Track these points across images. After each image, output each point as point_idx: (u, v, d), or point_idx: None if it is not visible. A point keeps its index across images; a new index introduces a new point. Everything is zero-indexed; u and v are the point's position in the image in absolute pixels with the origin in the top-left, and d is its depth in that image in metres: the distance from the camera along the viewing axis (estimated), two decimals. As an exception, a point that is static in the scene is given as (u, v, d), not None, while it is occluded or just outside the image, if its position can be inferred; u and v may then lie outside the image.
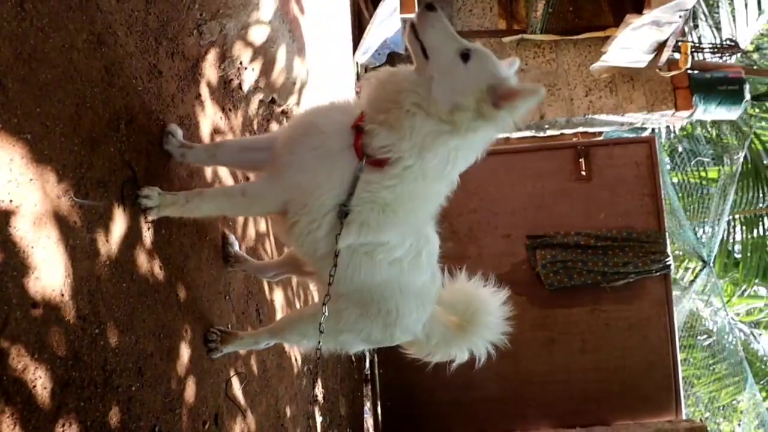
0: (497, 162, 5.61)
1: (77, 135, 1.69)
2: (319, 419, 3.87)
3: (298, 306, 3.61)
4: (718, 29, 8.22)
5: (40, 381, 1.48)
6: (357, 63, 4.53)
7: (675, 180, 9.28)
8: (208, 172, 2.48)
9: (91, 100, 1.77)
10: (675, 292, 5.80)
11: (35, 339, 1.47)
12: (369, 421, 5.62)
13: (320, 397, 3.95)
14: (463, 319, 2.56)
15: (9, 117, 1.44)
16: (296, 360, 3.48)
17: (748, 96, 5.39)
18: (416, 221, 2.14)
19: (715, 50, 5.85)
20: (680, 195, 8.68)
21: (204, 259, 2.47)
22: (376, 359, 5.64)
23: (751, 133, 7.24)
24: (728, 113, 5.42)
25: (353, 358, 5.19)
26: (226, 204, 2.15)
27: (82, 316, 1.65)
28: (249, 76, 2.87)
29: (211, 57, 2.56)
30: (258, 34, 2.75)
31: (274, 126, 3.30)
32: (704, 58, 5.78)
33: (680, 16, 4.38)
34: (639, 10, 4.35)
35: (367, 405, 5.71)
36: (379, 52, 4.76)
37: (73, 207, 1.65)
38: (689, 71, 5.30)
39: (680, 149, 9.58)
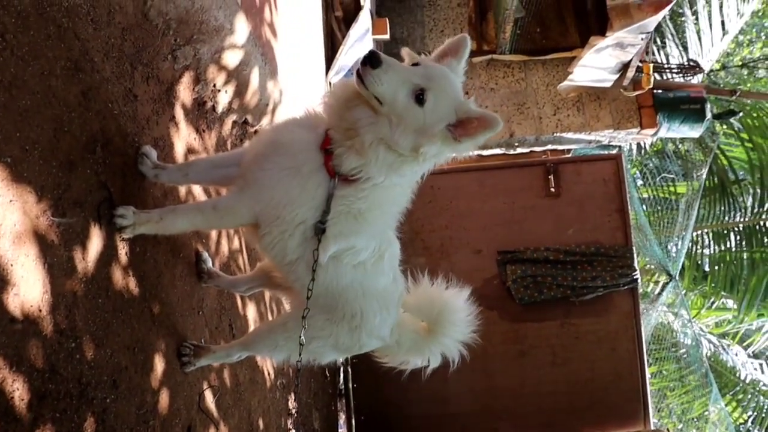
0: (468, 179, 5.75)
1: (55, 158, 1.78)
2: (292, 431, 3.93)
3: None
4: (685, 49, 8.51)
5: (17, 393, 1.55)
6: (330, 83, 4.65)
7: (645, 195, 9.53)
8: (182, 191, 2.57)
9: (68, 124, 1.85)
10: (642, 305, 5.96)
11: (14, 353, 1.55)
12: (344, 436, 5.67)
13: (293, 411, 4.01)
14: (430, 321, 2.65)
15: (-10, 142, 1.53)
16: (269, 374, 3.55)
17: (709, 114, 5.61)
18: (384, 224, 2.24)
19: (678, 70, 6.08)
20: (650, 211, 8.91)
21: (178, 276, 2.54)
22: (350, 373, 5.71)
23: (715, 149, 7.49)
24: (691, 131, 5.64)
25: (327, 372, 5.26)
26: (198, 218, 2.21)
27: (59, 330, 1.73)
28: (223, 98, 2.97)
29: (186, 80, 2.66)
30: (231, 58, 2.86)
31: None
32: (668, 78, 6.00)
33: (642, 38, 4.58)
34: (603, 32, 4.54)
35: (342, 419, 5.77)
36: (351, 71, 4.88)
37: (51, 226, 1.73)
38: (653, 91, 5.51)
39: (651, 165, 9.83)
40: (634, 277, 5.48)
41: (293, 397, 4.02)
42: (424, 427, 5.64)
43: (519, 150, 5.90)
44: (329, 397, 5.26)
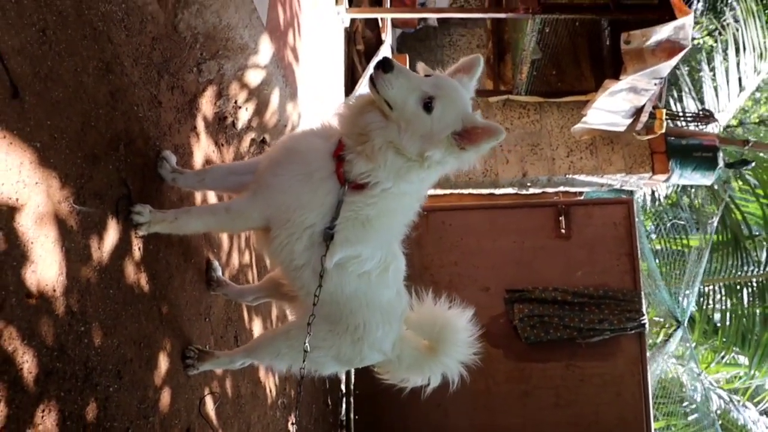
0: (480, 216, 5.81)
1: (81, 149, 1.88)
2: (291, 454, 3.92)
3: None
4: (702, 103, 8.62)
5: (26, 365, 1.61)
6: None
7: (658, 247, 9.50)
8: (198, 197, 2.66)
9: (95, 120, 1.96)
10: (650, 352, 5.92)
11: (26, 326, 1.62)
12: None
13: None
14: (431, 339, 2.68)
15: (23, 126, 1.63)
16: (271, 391, 3.58)
17: (721, 163, 5.66)
18: (390, 234, 2.29)
19: (692, 119, 6.17)
20: (662, 262, 8.87)
21: (188, 281, 2.62)
22: (352, 404, 5.69)
23: (730, 203, 7.51)
24: (703, 179, 5.69)
25: (329, 401, 5.25)
26: (211, 220, 2.29)
27: (70, 312, 1.80)
28: (243, 115, 3.09)
29: (209, 94, 2.78)
30: (254, 77, 2.99)
31: (264, 164, 3.50)
32: (682, 126, 6.09)
33: (656, 84, 4.68)
34: (617, 76, 4.65)
35: (343, 452, 5.72)
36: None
37: (72, 213, 1.82)
38: (666, 137, 5.59)
39: (664, 217, 9.83)
40: (642, 321, 5.45)
41: (294, 419, 4.02)
42: (424, 464, 5.57)
43: (531, 190, 5.97)
44: (330, 426, 5.23)
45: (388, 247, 2.33)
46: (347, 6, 4.45)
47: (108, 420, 1.98)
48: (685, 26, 4.27)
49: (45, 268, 1.70)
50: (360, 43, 4.65)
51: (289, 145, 2.27)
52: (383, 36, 4.61)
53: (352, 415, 5.68)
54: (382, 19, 4.73)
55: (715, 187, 7.42)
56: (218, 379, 2.85)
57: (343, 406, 5.69)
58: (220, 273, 2.83)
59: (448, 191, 5.94)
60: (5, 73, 1.57)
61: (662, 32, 4.29)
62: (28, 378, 1.62)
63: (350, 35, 4.66)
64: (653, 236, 9.71)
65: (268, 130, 3.35)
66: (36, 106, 1.68)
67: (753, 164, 6.59)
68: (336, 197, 2.14)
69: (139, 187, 2.21)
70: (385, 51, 4.66)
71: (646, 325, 5.51)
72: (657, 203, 9.87)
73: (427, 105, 2.00)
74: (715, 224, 7.26)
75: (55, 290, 1.73)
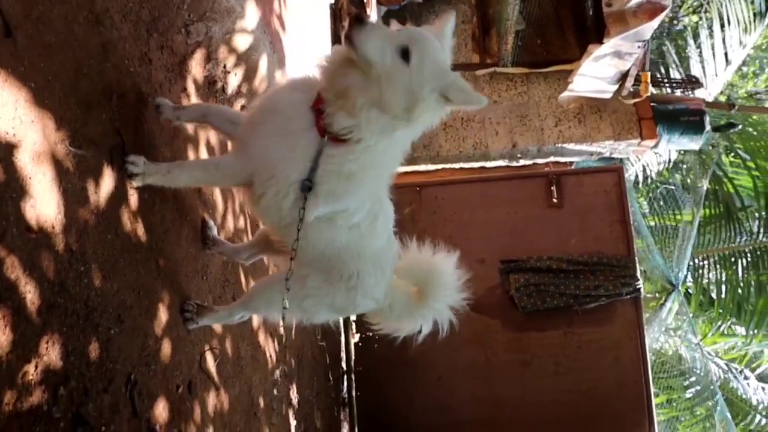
0: (472, 190, 5.88)
1: (74, 95, 1.93)
2: (293, 422, 3.97)
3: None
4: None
5: (29, 296, 1.66)
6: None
7: (652, 223, 9.58)
8: (191, 155, 2.71)
9: (88, 68, 2.01)
10: (646, 315, 5.99)
11: (27, 257, 1.67)
12: (347, 443, 5.67)
13: (295, 402, 4.06)
14: (420, 284, 2.74)
15: (17, 65, 1.68)
16: (271, 356, 3.63)
17: (708, 126, 5.74)
18: (376, 186, 2.34)
19: (678, 85, 6.24)
20: (657, 238, 8.94)
21: (184, 237, 2.67)
22: (353, 380, 5.74)
23: (715, 160, 7.60)
24: (691, 143, 5.76)
25: (330, 376, 5.30)
26: (201, 174, 2.35)
27: (69, 250, 1.85)
28: (232, 80, 3.14)
29: (198, 57, 2.83)
30: (241, 41, 3.04)
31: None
32: (669, 93, 6.16)
33: (639, 47, 4.75)
34: (601, 41, 4.72)
35: (345, 429, 5.76)
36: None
37: (68, 155, 1.87)
38: (653, 103, 5.66)
39: (657, 193, 9.90)
40: (637, 286, 5.53)
41: (295, 388, 4.08)
42: (427, 436, 5.62)
43: (522, 162, 6.04)
44: (332, 402, 5.28)
45: (375, 197, 2.36)
46: (332, -18, 4.53)
47: (110, 361, 2.03)
48: (665, -13, 4.35)
49: (43, 204, 1.75)
50: (346, 20, 4.70)
51: (267, 101, 2.31)
52: (368, 12, 4.67)
53: (353, 393, 5.73)
54: (366, -6, 4.82)
55: (703, 155, 7.49)
56: (218, 337, 2.90)
57: (344, 383, 5.74)
58: (215, 232, 2.88)
59: (439, 166, 6.01)
60: (-3, 11, 1.62)
61: (643, -7, 4.36)
62: (31, 308, 1.67)
63: (335, 13, 4.73)
64: (647, 213, 9.79)
65: (257, 97, 3.40)
66: (29, 48, 1.73)
67: (740, 127, 6.66)
68: (316, 149, 2.16)
69: (131, 140, 2.26)
70: (372, 26, 4.70)
71: (642, 290, 5.58)
72: (649, 180, 9.95)
73: (404, 54, 2.00)
74: (705, 187, 7.33)
75: (54, 227, 1.78)
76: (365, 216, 2.34)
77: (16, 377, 1.60)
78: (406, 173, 6.24)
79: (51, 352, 1.74)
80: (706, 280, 9.08)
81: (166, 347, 2.43)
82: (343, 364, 5.76)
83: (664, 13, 4.36)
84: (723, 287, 8.54)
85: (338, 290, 2.50)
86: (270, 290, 2.58)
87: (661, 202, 8.94)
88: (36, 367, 1.67)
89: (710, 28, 8.91)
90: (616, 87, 5.36)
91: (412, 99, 2.02)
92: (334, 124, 2.12)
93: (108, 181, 2.08)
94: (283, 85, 2.41)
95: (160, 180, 2.27)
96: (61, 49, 1.87)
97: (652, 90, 5.59)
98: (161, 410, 2.34)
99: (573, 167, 6.36)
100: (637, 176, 9.44)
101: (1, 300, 1.56)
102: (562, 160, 6.14)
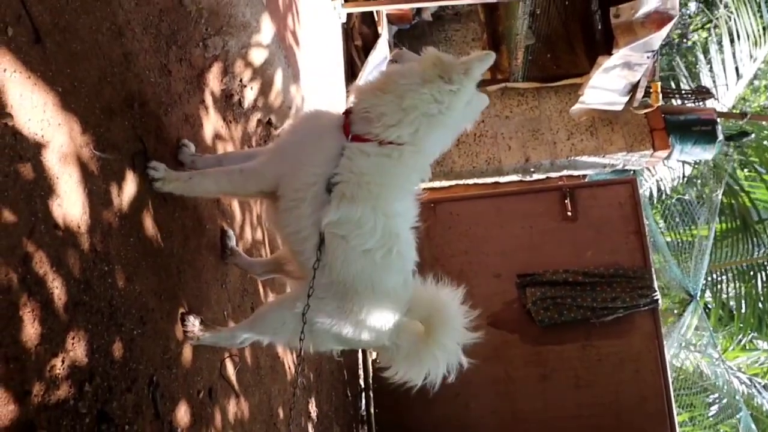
0: (487, 205, 5.90)
1: (98, 101, 2.00)
2: (313, 436, 3.97)
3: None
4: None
5: (56, 291, 1.71)
6: (351, 107, 4.92)
7: (669, 239, 9.52)
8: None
9: (111, 77, 2.09)
10: (665, 328, 5.93)
11: (55, 254, 1.72)
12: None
13: (314, 415, 4.06)
14: (426, 321, 2.63)
15: (46, 69, 1.75)
16: (289, 368, 3.64)
17: (721, 136, 5.74)
18: (391, 205, 2.31)
19: (689, 95, 6.27)
20: (673, 253, 8.88)
21: (203, 245, 2.71)
22: (371, 397, 5.72)
23: (728, 169, 7.58)
24: (704, 153, 5.76)
25: (348, 392, 5.29)
26: (224, 180, 2.37)
27: (94, 250, 1.90)
28: (248, 95, 3.22)
29: (215, 70, 2.91)
30: (257, 55, 3.12)
31: (272, 147, 3.63)
32: (680, 103, 6.20)
33: (648, 57, 4.79)
34: (610, 53, 4.77)
35: (365, 447, 5.73)
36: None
37: (93, 158, 1.93)
38: (664, 114, 5.69)
39: (673, 209, 9.86)
40: (654, 297, 5.48)
41: (314, 402, 4.08)
42: (446, 452, 5.57)
43: (535, 176, 6.07)
44: (350, 418, 5.26)
45: (390, 225, 2.31)
46: (343, 1, 4.62)
47: (134, 362, 2.07)
48: (671, -4, 4.40)
49: (70, 204, 1.80)
50: (357, 39, 4.81)
51: (304, 113, 2.43)
52: (380, 30, 4.76)
53: (372, 410, 5.71)
54: (377, 13, 4.89)
55: (716, 166, 7.48)
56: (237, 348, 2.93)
57: (363, 400, 5.72)
58: (234, 242, 2.92)
59: (453, 182, 6.05)
60: (28, 19, 1.69)
61: (650, 3, 4.41)
62: (58, 304, 1.71)
63: (348, 32, 4.83)
64: (663, 229, 9.73)
65: (273, 111, 3.48)
66: (56, 54, 1.80)
67: (752, 135, 6.65)
68: (339, 147, 2.25)
69: (153, 147, 2.33)
70: (383, 45, 4.81)
71: (659, 301, 5.53)
72: (664, 196, 9.91)
73: None
74: (720, 197, 7.30)
75: (79, 227, 1.84)
76: (379, 243, 2.29)
77: (44, 370, 1.64)
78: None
79: (77, 348, 1.78)
80: (725, 295, 8.99)
81: (187, 352, 2.46)
82: (361, 381, 5.75)
83: (672, 23, 4.41)
84: (743, 301, 8.43)
85: (348, 321, 2.45)
86: (281, 312, 2.51)
87: (677, 218, 8.88)
88: (63, 361, 1.71)
89: (720, 43, 8.96)
90: (626, 98, 5.40)
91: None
92: (356, 118, 2.27)
93: (131, 185, 2.14)
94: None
95: (181, 187, 2.32)
96: (86, 56, 1.95)
97: (663, 101, 5.61)
98: (183, 414, 2.36)
99: (586, 180, 6.38)
100: (651, 192, 9.42)
101: (30, 294, 1.61)
102: (576, 173, 6.15)
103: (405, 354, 2.63)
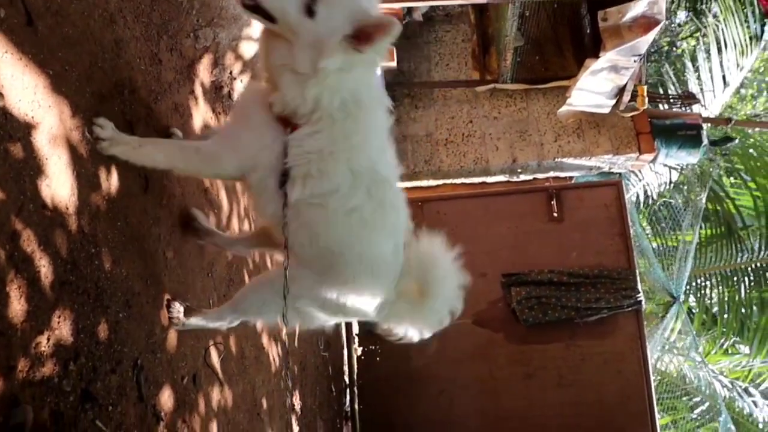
0: (473, 204, 5.96)
1: (89, 86, 2.03)
2: (296, 428, 3.99)
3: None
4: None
5: (43, 270, 1.74)
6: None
7: (655, 245, 9.61)
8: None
9: (102, 62, 2.12)
10: (648, 329, 6.01)
11: (43, 233, 1.74)
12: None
13: (297, 408, 4.08)
14: (419, 279, 2.48)
15: (38, 52, 1.78)
16: (274, 360, 3.67)
17: (706, 140, 5.83)
18: (364, 158, 2.12)
19: (675, 100, 6.37)
20: (659, 259, 8.98)
21: (190, 233, 2.74)
22: (356, 394, 5.75)
23: (713, 174, 7.69)
24: (689, 156, 5.85)
25: (333, 388, 5.32)
26: (178, 157, 2.18)
27: (82, 232, 1.92)
28: (238, 87, 3.25)
29: (206, 62, 2.95)
30: (247, 48, 3.16)
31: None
32: (665, 108, 6.29)
33: (635, 61, 4.87)
34: (597, 55, 4.85)
35: (349, 444, 5.76)
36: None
37: (82, 141, 1.96)
38: (650, 118, 5.78)
39: (659, 215, 9.96)
40: (638, 299, 5.56)
41: (298, 395, 4.10)
42: (430, 449, 5.60)
43: (522, 177, 6.13)
44: (335, 413, 5.29)
45: (371, 172, 2.12)
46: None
47: (118, 344, 2.09)
48: (658, 1, 4.47)
49: (58, 185, 1.83)
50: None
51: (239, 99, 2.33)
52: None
53: (356, 406, 5.74)
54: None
55: (701, 171, 7.59)
56: (222, 334, 2.95)
57: (347, 396, 5.75)
58: (205, 223, 2.74)
59: (441, 181, 6.10)
60: (20, 1, 1.72)
61: (637, 8, 4.49)
62: (45, 282, 1.74)
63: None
64: (649, 234, 9.83)
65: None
66: (48, 37, 1.83)
67: (737, 141, 6.75)
68: (281, 140, 2.05)
69: (142, 133, 2.36)
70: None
71: (643, 302, 5.61)
72: (650, 201, 10.02)
73: (310, 9, 1.86)
74: (704, 201, 7.40)
75: (67, 208, 1.86)
76: (365, 197, 2.12)
77: (29, 347, 1.67)
78: (407, 188, 6.32)
79: (62, 327, 1.80)
80: (709, 300, 9.09)
81: (172, 337, 2.48)
82: (346, 378, 5.78)
83: (658, 27, 4.48)
84: (726, 305, 8.54)
85: (330, 294, 2.33)
86: (261, 290, 2.44)
87: (662, 224, 8.99)
88: (48, 339, 1.74)
89: (708, 51, 9.07)
90: (613, 102, 5.48)
91: (319, 54, 1.88)
92: (275, 107, 2.02)
93: (119, 170, 2.17)
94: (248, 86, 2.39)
95: (129, 153, 2.08)
96: (77, 41, 1.98)
97: (649, 106, 5.70)
98: (166, 398, 2.39)
99: (573, 182, 6.45)
100: (638, 197, 9.52)
101: (17, 271, 1.64)
102: (562, 174, 6.23)
103: (399, 318, 2.52)
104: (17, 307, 1.63)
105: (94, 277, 1.97)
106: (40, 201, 1.75)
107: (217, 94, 3.11)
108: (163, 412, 2.35)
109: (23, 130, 1.70)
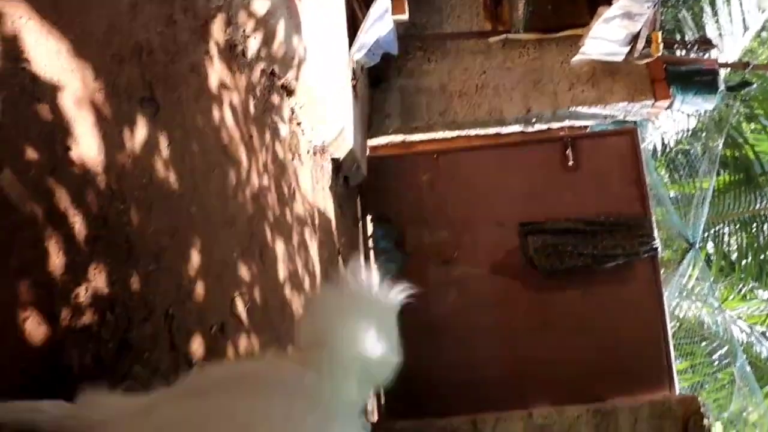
0: (490, 155, 6.00)
1: (108, 49, 2.10)
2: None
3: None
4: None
5: (77, 225, 1.85)
6: (353, 59, 4.98)
7: (672, 193, 9.57)
8: (215, 114, 2.88)
9: (119, 26, 2.18)
10: (664, 274, 6.07)
11: (75, 191, 1.85)
12: (371, 404, 5.85)
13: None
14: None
15: (58, 18, 1.85)
16: (298, 310, 3.80)
17: (722, 86, 5.77)
18: None
19: (691, 46, 6.28)
20: (676, 207, 8.95)
21: (211, 190, 2.84)
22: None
23: (731, 119, 7.61)
24: (705, 103, 5.80)
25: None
26: None
27: (111, 190, 2.03)
28: (252, 45, 3.30)
29: (219, 21, 3.00)
30: (260, 6, 3.19)
31: (275, 98, 3.72)
32: (682, 55, 6.22)
33: (648, 7, 4.81)
34: (610, 2, 4.80)
35: (372, 391, 5.94)
36: (373, 51, 5.20)
37: (105, 103, 2.05)
38: (665, 66, 5.72)
39: (677, 161, 9.88)
40: (654, 245, 5.60)
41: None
42: (452, 395, 5.72)
43: (537, 126, 6.13)
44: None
45: None
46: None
47: (151, 294, 2.22)
48: (673, -56, 4.40)
49: (86, 145, 1.92)
50: (362, -6, 4.86)
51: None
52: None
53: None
54: (378, -36, 4.92)
55: (719, 117, 7.51)
56: (247, 284, 3.08)
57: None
58: None
59: (455, 133, 6.13)
60: (39, -32, 1.79)
61: (650, -49, 4.42)
62: (79, 236, 1.85)
63: (351, -17, 4.88)
64: (668, 182, 9.78)
65: (276, 62, 3.56)
66: (66, 3, 1.90)
67: (755, 86, 6.66)
68: None
69: (161, 94, 2.44)
70: (385, -3, 4.85)
71: (659, 249, 5.65)
72: (668, 149, 9.94)
73: None
74: (720, 146, 7.36)
75: (96, 167, 1.96)
76: None
77: (69, 297, 1.79)
78: (423, 141, 6.36)
79: (98, 279, 1.92)
80: (727, 246, 9.10)
81: (200, 289, 2.61)
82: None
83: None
84: (744, 251, 8.55)
85: None
86: None
87: (680, 172, 8.94)
88: (86, 290, 1.86)
89: (728, -5, 8.85)
90: (627, 49, 5.42)
91: None
92: None
93: (141, 130, 2.26)
94: None
95: None
96: (94, 6, 2.05)
97: (665, 52, 5.63)
98: (197, 346, 2.53)
99: (588, 131, 6.44)
100: (655, 146, 9.44)
101: (55, 227, 1.75)
102: (577, 124, 6.22)
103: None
104: (56, 260, 1.75)
105: (124, 232, 2.08)
106: (71, 161, 1.85)
107: (231, 53, 3.16)
108: (194, 359, 2.49)
109: (50, 94, 1.79)
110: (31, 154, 1.68)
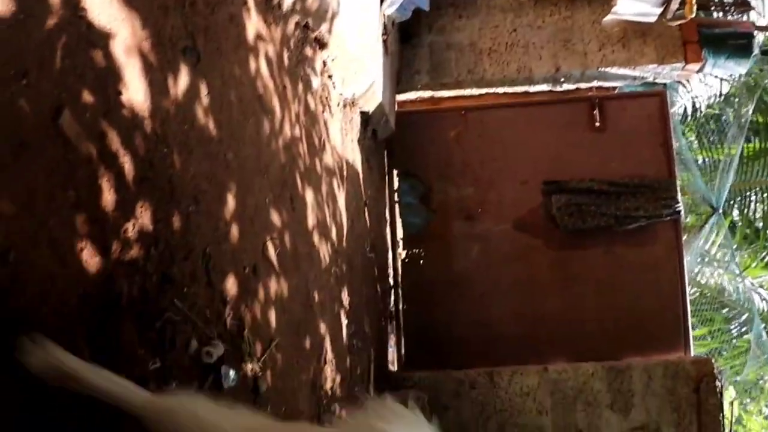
0: (517, 113, 6.03)
1: (155, 0, 2.21)
2: (344, 321, 4.34)
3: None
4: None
5: (126, 166, 1.98)
6: (384, 14, 5.00)
7: (701, 158, 9.48)
8: (252, 63, 2.98)
9: (164, -24, 2.28)
10: (686, 237, 6.10)
11: (125, 133, 1.98)
12: (392, 354, 6.06)
13: (346, 304, 4.41)
14: None
15: (109, -33, 1.95)
16: (324, 257, 3.96)
17: (756, 50, 5.68)
18: None
19: (728, 7, 6.16)
20: (703, 173, 8.87)
21: (247, 137, 2.96)
22: (401, 295, 6.09)
23: (761, 90, 7.48)
24: (737, 67, 5.72)
25: (378, 288, 5.64)
26: None
27: (156, 134, 2.16)
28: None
29: (256, -27, 3.06)
30: (295, -41, 3.25)
31: (308, 50, 3.80)
32: (718, 17, 6.11)
33: (684, -34, 4.74)
34: (644, -38, 4.73)
35: (392, 341, 6.15)
36: (404, 6, 5.22)
37: (151, 51, 2.16)
38: (699, 27, 5.64)
39: (707, 127, 9.75)
40: (677, 208, 5.63)
41: (347, 290, 4.42)
42: (471, 349, 5.90)
43: (565, 86, 6.12)
44: (380, 313, 5.64)
45: None
46: None
47: (190, 235, 2.36)
48: None
49: (134, 91, 2.05)
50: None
51: None
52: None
53: (400, 306, 6.09)
54: None
55: (755, 85, 7.39)
56: (278, 230, 3.23)
57: (392, 297, 6.09)
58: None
59: (483, 90, 6.15)
60: None
61: None
62: (128, 177, 1.99)
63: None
64: (696, 147, 9.68)
65: (311, 15, 3.63)
66: (117, -46, 2.00)
67: (791, 50, 6.52)
68: None
69: (202, 44, 2.54)
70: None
71: (682, 212, 5.68)
72: (699, 113, 9.79)
73: None
74: (750, 111, 7.26)
75: (143, 111, 2.09)
76: None
77: (119, 231, 1.94)
78: (451, 98, 6.40)
79: (144, 217, 2.07)
80: (753, 214, 9.04)
81: (234, 232, 2.76)
82: (390, 279, 6.10)
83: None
84: (769, 218, 8.50)
85: None
86: None
87: (710, 137, 8.83)
88: (133, 226, 2.01)
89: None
90: (660, 10, 5.35)
91: None
92: None
93: (183, 78, 2.37)
94: None
95: None
96: (142, -43, 2.14)
97: (699, 13, 5.54)
98: (231, 285, 2.69)
99: (616, 92, 6.41)
100: (686, 109, 9.32)
101: (107, 166, 1.89)
102: (606, 84, 6.18)
103: None
104: (108, 197, 1.89)
105: (167, 174, 2.22)
106: (121, 105, 1.97)
107: (267, 5, 3.24)
108: (228, 297, 2.65)
109: (104, 41, 1.90)
110: (87, 97, 1.81)
